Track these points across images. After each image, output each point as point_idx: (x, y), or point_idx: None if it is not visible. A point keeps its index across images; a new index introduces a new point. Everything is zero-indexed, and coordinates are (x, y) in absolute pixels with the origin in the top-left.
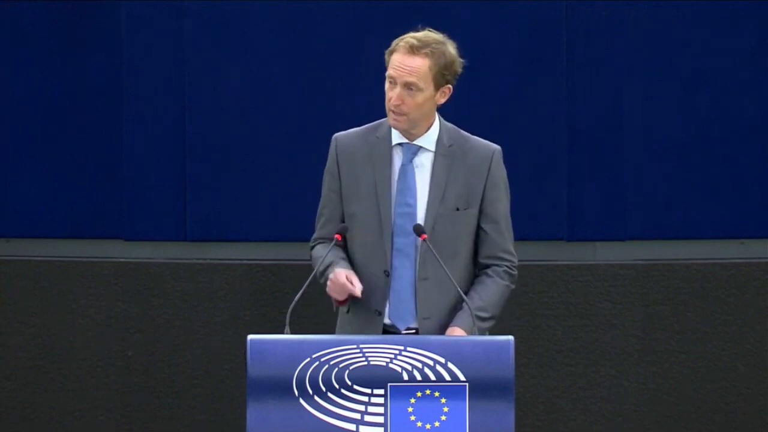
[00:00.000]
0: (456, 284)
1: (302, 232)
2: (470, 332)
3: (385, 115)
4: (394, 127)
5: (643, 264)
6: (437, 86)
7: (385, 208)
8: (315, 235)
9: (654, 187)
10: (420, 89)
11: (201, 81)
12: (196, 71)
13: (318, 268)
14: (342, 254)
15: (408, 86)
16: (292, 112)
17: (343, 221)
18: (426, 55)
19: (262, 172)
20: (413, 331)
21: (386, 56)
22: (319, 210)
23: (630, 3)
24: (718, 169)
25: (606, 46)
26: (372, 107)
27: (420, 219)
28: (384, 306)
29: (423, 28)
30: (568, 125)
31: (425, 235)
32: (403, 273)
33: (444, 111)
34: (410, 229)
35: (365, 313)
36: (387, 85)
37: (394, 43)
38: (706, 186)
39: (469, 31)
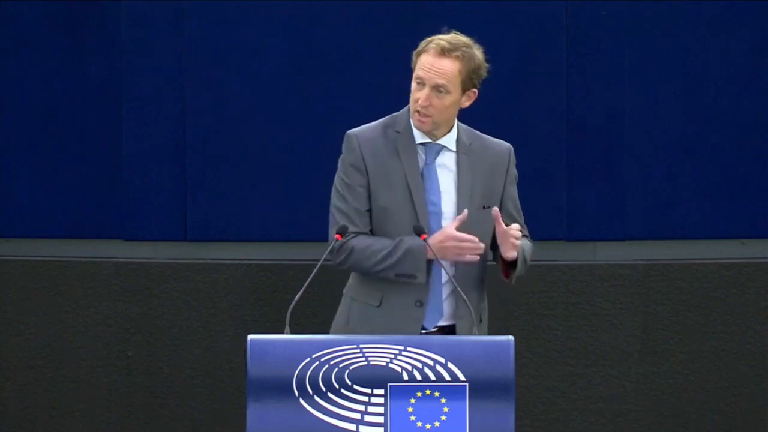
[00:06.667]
0: (463, 295)
1: (302, 232)
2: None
3: (388, 113)
4: (418, 128)
5: (643, 264)
6: (464, 89)
7: (419, 199)
8: (349, 230)
9: (654, 187)
10: (448, 92)
11: (201, 81)
12: (196, 71)
13: (385, 260)
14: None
15: (437, 88)
16: (292, 112)
17: (371, 215)
18: (456, 58)
19: (262, 172)
20: (435, 329)
21: (414, 57)
22: (342, 206)
23: (630, 3)
24: (718, 169)
25: (606, 46)
26: (372, 107)
27: (449, 218)
28: (426, 296)
29: (449, 31)
30: (568, 125)
31: (425, 235)
32: (432, 271)
33: None
34: (435, 228)
35: (403, 305)
36: (414, 85)
37: (422, 44)
38: (706, 186)
39: (469, 31)
